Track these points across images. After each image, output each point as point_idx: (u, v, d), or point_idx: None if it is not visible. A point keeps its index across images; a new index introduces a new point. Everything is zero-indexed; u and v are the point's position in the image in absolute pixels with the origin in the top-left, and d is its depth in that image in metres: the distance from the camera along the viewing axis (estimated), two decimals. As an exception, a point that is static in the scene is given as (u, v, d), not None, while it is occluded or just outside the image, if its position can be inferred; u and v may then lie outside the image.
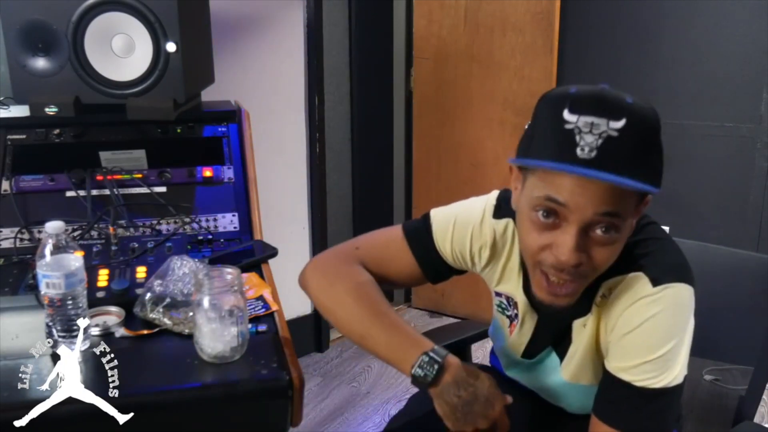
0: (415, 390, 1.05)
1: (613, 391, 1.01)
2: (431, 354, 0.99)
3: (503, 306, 1.19)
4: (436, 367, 0.98)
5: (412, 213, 3.33)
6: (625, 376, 0.99)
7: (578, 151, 0.87)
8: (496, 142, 2.99)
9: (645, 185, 0.87)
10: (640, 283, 0.98)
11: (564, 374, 1.14)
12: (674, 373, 0.98)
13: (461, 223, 1.14)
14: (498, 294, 1.18)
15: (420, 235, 1.17)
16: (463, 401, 0.96)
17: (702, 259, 1.49)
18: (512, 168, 1.01)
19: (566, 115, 0.88)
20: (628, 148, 0.87)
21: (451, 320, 3.14)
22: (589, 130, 0.87)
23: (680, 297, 0.99)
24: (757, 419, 1.31)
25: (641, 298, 0.98)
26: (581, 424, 1.08)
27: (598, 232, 0.91)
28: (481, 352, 1.47)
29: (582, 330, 1.07)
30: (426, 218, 1.18)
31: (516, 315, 1.16)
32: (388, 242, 1.19)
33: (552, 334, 1.13)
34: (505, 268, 1.14)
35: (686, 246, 1.56)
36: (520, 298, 1.14)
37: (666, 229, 2.81)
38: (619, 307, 1.00)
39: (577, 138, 0.87)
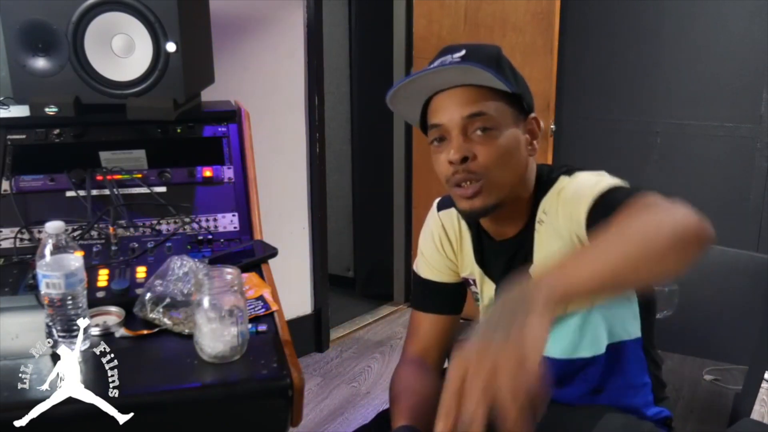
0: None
1: (595, 216, 0.99)
2: None
3: (475, 295, 1.27)
4: None
5: (412, 213, 3.33)
6: (590, 201, 1.00)
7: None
8: (496, 142, 2.99)
9: (493, 72, 1.04)
10: (560, 181, 1.11)
11: None
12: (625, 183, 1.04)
13: (423, 241, 1.29)
14: (468, 283, 1.27)
15: (416, 292, 1.31)
16: None
17: (701, 259, 1.49)
18: None
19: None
20: (473, 60, 1.06)
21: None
22: (438, 66, 1.07)
23: (592, 172, 1.09)
24: (756, 419, 1.31)
25: (563, 187, 1.09)
26: (577, 418, 1.09)
27: (478, 133, 1.06)
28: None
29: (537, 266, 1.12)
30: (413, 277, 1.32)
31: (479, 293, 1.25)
32: (412, 326, 1.30)
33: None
34: (463, 251, 1.25)
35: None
36: (476, 270, 1.23)
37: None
38: (556, 207, 1.08)
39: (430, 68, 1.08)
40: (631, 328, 1.16)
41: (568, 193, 1.07)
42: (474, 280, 1.25)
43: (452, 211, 1.24)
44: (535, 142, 1.14)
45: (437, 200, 1.30)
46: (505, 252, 1.17)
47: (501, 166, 1.07)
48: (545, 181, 1.14)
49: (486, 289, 1.23)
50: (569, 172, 1.12)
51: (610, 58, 2.92)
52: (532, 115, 1.14)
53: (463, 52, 1.09)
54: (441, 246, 1.26)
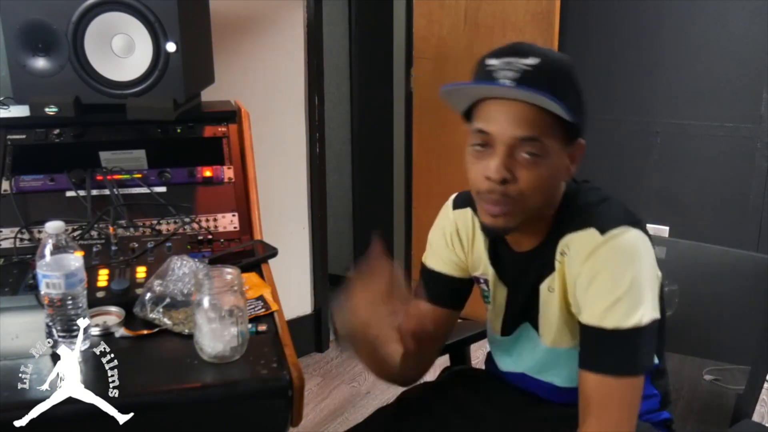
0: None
1: (589, 340, 1.05)
2: None
3: (485, 293, 1.26)
4: None
5: (412, 213, 3.33)
6: (596, 323, 1.02)
7: (499, 82, 1.01)
8: (496, 142, 2.99)
9: (559, 103, 0.97)
10: (591, 235, 1.05)
11: (544, 341, 1.16)
12: (641, 311, 1.01)
13: (433, 234, 1.28)
14: (478, 281, 1.26)
15: (420, 281, 1.28)
16: None
17: (701, 259, 1.49)
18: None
19: (488, 60, 1.04)
20: (543, 79, 1.00)
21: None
22: (507, 67, 1.01)
23: (627, 238, 1.04)
24: (756, 419, 1.31)
25: (593, 249, 1.04)
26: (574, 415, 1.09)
27: (523, 155, 1.02)
28: (481, 352, 1.48)
29: (550, 294, 1.12)
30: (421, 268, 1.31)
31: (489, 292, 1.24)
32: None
33: (522, 304, 1.18)
34: (474, 251, 1.23)
35: (685, 246, 1.56)
36: (489, 271, 1.21)
37: (666, 229, 2.82)
38: (577, 262, 1.06)
39: (496, 74, 1.02)
40: None
41: (591, 270, 1.04)
42: (486, 280, 1.23)
43: (468, 211, 1.23)
44: (572, 166, 1.10)
45: (453, 196, 1.27)
46: (521, 261, 1.16)
47: (537, 194, 1.04)
48: (571, 206, 1.11)
49: (498, 292, 1.21)
50: (602, 225, 1.05)
51: (610, 58, 2.92)
52: (581, 141, 1.10)
53: (531, 60, 1.00)
54: (451, 243, 1.25)
